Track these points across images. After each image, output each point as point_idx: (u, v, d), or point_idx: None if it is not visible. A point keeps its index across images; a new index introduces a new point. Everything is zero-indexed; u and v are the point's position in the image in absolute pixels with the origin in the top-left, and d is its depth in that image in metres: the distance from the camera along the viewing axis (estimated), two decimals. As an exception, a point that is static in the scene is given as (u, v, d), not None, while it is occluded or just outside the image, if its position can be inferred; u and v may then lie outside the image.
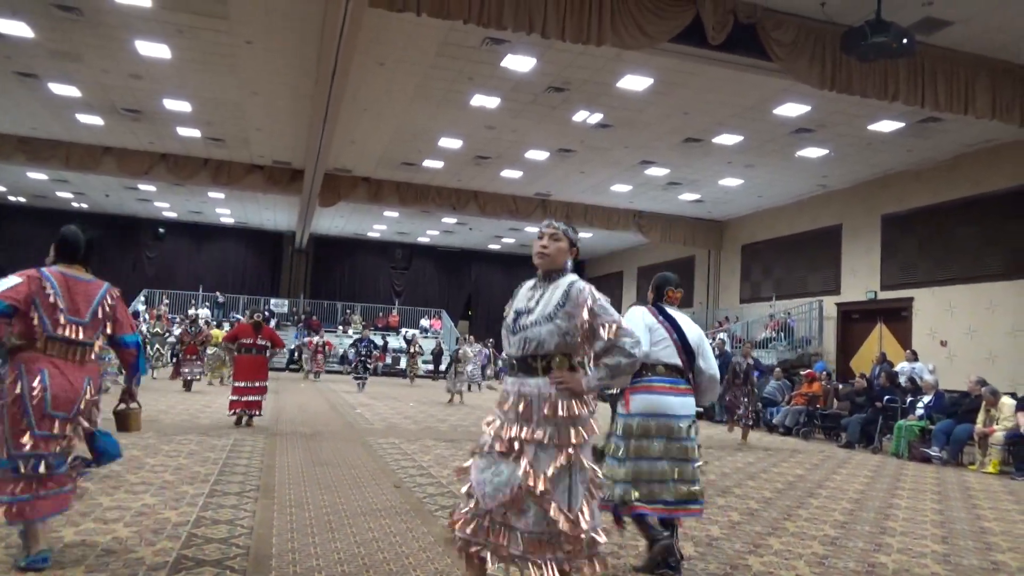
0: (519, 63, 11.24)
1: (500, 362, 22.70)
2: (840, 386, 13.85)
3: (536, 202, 20.60)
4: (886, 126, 12.92)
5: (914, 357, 13.78)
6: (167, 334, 19.58)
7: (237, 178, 18.66)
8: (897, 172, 15.73)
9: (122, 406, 3.95)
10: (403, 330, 28.99)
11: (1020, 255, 13.24)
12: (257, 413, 9.65)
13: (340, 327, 28.70)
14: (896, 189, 15.94)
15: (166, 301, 27.95)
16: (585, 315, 2.86)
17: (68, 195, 25.02)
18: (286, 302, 29.90)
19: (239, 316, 24.65)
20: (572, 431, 2.83)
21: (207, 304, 27.63)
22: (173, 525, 4.38)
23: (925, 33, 9.40)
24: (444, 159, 17.17)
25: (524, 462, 2.79)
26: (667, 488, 3.79)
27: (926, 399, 11.26)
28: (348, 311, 29.92)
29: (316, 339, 22.24)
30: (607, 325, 2.86)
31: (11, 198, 25.92)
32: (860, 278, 16.89)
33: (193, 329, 15.84)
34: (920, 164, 15.05)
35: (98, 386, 3.76)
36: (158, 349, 17.54)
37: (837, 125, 13.09)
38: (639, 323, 4.01)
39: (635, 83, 11.70)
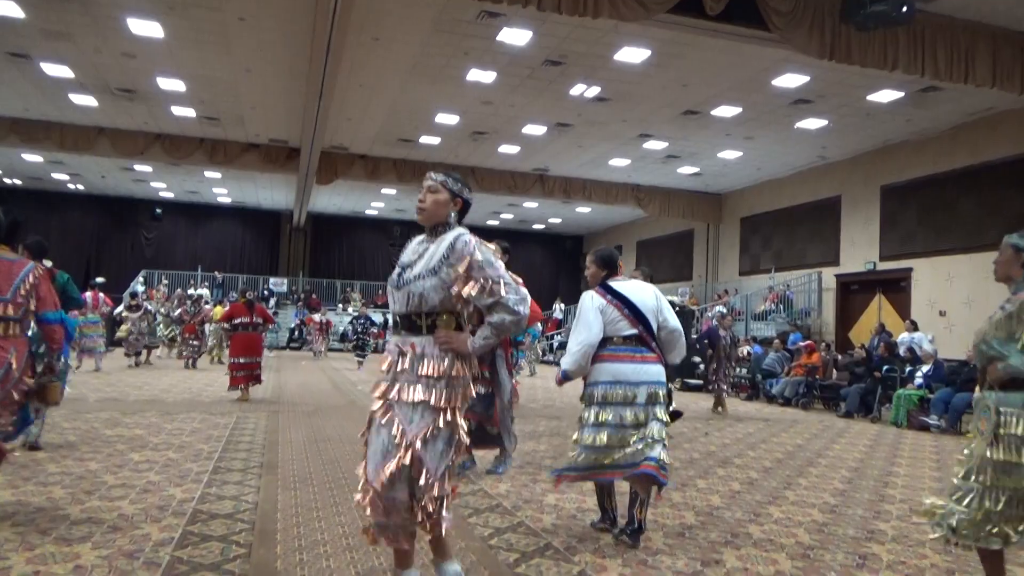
0: (515, 36, 11.12)
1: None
2: (839, 357, 13.92)
3: (534, 177, 20.52)
4: (885, 96, 12.83)
5: (914, 327, 13.81)
6: (168, 314, 19.67)
7: (233, 157, 18.56)
8: (896, 142, 15.66)
9: (44, 379, 4.17)
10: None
11: (1020, 224, 13.12)
12: (256, 383, 10.23)
13: (340, 305, 28.72)
14: (895, 159, 15.88)
15: (165, 281, 27.94)
16: (468, 269, 2.72)
17: (64, 177, 24.89)
18: (285, 281, 29.88)
19: (237, 296, 24.64)
20: (451, 393, 2.73)
21: (206, 284, 27.62)
22: (178, 502, 4.42)
23: (924, 0, 9.30)
24: (441, 135, 17.06)
25: (398, 424, 2.71)
26: (624, 454, 3.83)
27: (925, 369, 11.31)
28: (347, 289, 29.93)
29: (318, 317, 22.26)
30: (493, 281, 2.72)
31: (7, 180, 25.78)
32: (859, 249, 16.88)
33: (193, 309, 15.93)
34: (920, 134, 14.98)
35: (22, 358, 3.90)
36: (172, 328, 17.65)
37: (836, 96, 13.00)
38: (590, 309, 4.00)
39: (632, 55, 11.60)
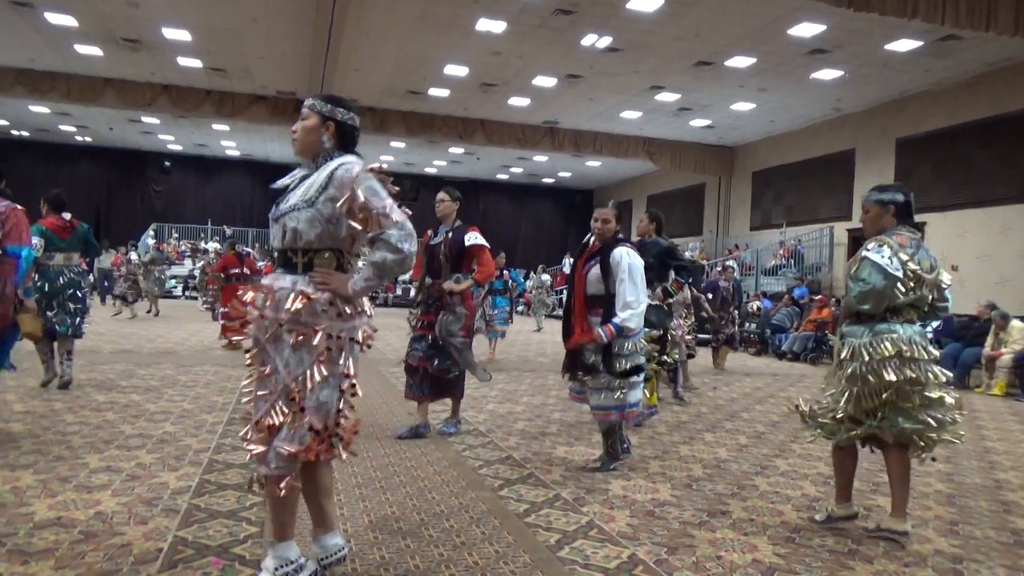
0: (525, -16, 10.88)
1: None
2: (930, 322, 13.86)
3: (544, 130, 20.28)
4: (904, 45, 12.53)
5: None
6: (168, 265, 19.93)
7: (241, 109, 18.40)
8: (913, 94, 15.35)
9: (19, 312, 4.69)
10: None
11: (1038, 177, 13.02)
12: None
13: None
14: (912, 112, 15.59)
15: (175, 235, 28.04)
16: (350, 200, 2.45)
17: (71, 129, 24.79)
18: (294, 234, 29.88)
19: (250, 250, 24.71)
20: (327, 336, 2.48)
21: (216, 238, 27.70)
22: (194, 451, 4.51)
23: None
24: (450, 87, 16.84)
25: (278, 370, 2.50)
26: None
27: (934, 323, 11.27)
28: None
29: None
30: (376, 213, 2.46)
31: (14, 132, 25.71)
32: (872, 203, 16.68)
33: (215, 261, 16.26)
34: (937, 85, 14.67)
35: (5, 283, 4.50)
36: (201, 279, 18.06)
37: (853, 45, 12.71)
38: (639, 268, 4.38)
39: (645, 4, 11.33)
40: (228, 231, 28.24)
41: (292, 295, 2.48)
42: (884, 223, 3.51)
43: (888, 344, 3.38)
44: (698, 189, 24.24)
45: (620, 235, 4.53)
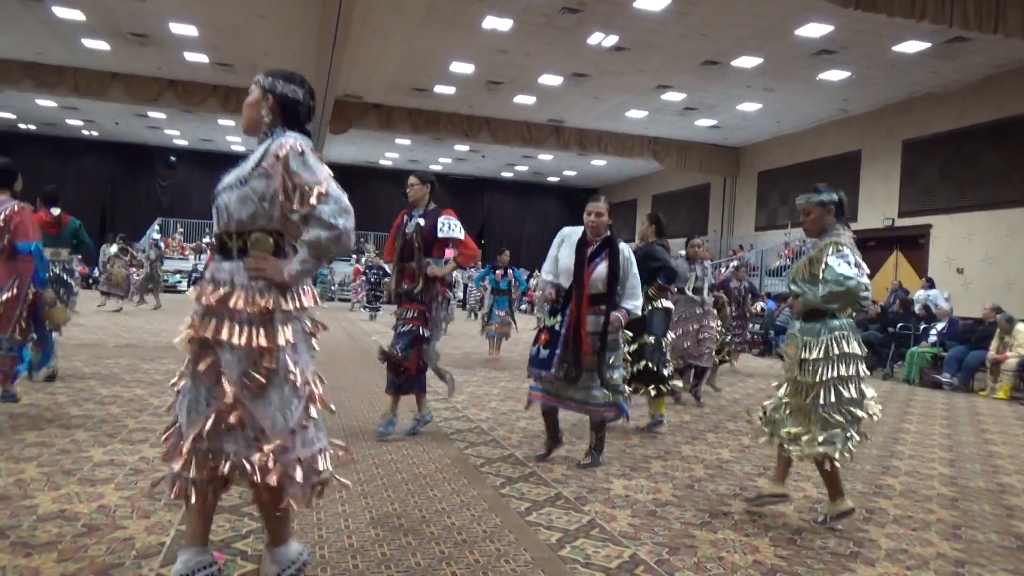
0: (532, -18, 10.88)
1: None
2: (854, 314, 13.85)
3: (549, 129, 20.27)
4: (911, 47, 12.49)
5: (929, 284, 13.71)
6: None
7: (247, 105, 18.43)
8: (921, 95, 15.30)
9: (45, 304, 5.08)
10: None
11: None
12: None
13: (353, 256, 28.78)
14: (919, 113, 15.54)
15: (180, 230, 28.09)
16: (282, 174, 2.24)
17: (78, 123, 24.86)
18: (300, 231, 29.91)
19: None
20: (271, 331, 2.25)
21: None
22: (197, 446, 4.51)
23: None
24: (456, 85, 16.84)
25: (216, 368, 2.29)
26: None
27: (940, 326, 11.26)
28: (361, 240, 29.94)
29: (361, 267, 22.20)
30: (307, 188, 2.22)
31: (21, 126, 25.79)
32: (878, 205, 16.66)
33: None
34: (945, 87, 14.62)
35: (17, 281, 4.83)
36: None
37: (860, 46, 12.68)
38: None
39: (652, 3, 11.32)
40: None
41: (237, 290, 2.28)
42: (826, 223, 3.66)
43: (845, 342, 3.55)
44: (703, 189, 24.20)
45: (611, 228, 4.56)
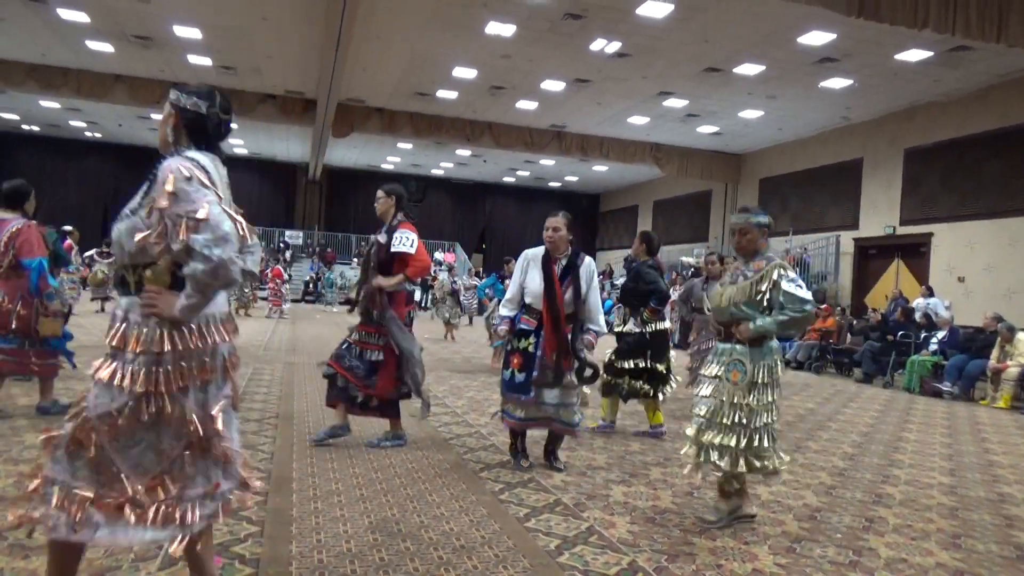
0: (536, -12, 10.90)
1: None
2: (854, 322, 13.86)
3: (551, 134, 20.29)
4: (914, 55, 12.50)
5: (929, 293, 13.71)
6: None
7: (249, 108, 18.46)
8: (923, 104, 15.31)
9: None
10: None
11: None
12: None
13: (354, 260, 28.83)
14: (921, 121, 15.55)
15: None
16: (164, 202, 2.07)
17: (81, 124, 24.90)
18: (301, 234, 29.95)
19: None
20: (159, 373, 2.09)
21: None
22: (196, 449, 4.50)
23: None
24: (458, 89, 16.86)
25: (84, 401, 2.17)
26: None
27: (940, 335, 11.25)
28: (362, 243, 29.98)
29: None
30: (182, 216, 2.05)
31: (24, 127, 25.83)
32: (879, 213, 16.65)
33: None
34: (947, 95, 14.63)
35: (14, 295, 5.01)
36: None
37: (863, 55, 12.68)
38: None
39: (655, 9, 11.33)
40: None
41: (127, 327, 2.14)
42: (760, 245, 3.68)
43: (780, 365, 3.66)
44: (705, 195, 24.21)
45: (572, 241, 4.55)
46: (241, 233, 2.26)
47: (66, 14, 13.35)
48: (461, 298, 16.14)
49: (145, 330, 2.12)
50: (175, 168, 2.12)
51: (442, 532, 3.32)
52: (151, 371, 2.10)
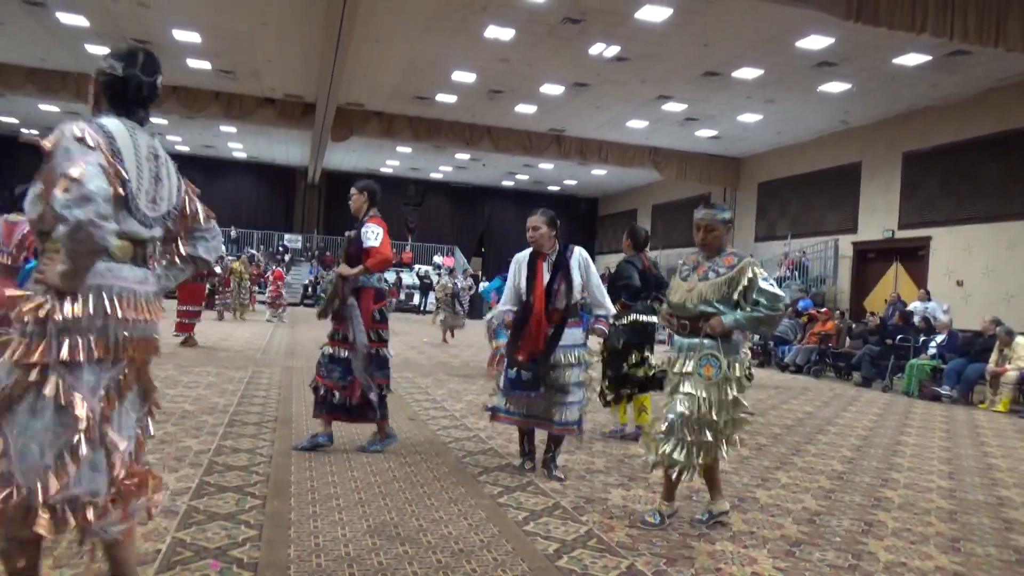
0: (534, -8, 10.92)
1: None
2: (853, 325, 13.86)
3: (550, 138, 20.31)
4: (912, 59, 12.53)
5: (927, 296, 13.71)
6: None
7: (249, 111, 18.48)
8: (921, 108, 15.34)
9: None
10: (416, 266, 29.07)
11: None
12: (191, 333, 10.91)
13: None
14: (919, 125, 15.58)
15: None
16: (48, 161, 2.00)
17: (80, 128, 24.89)
18: (300, 237, 29.95)
19: (252, 251, 24.78)
20: (39, 343, 1.97)
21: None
22: (195, 453, 4.51)
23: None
24: (457, 93, 16.88)
25: None
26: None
27: (939, 338, 11.25)
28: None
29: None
30: (61, 177, 1.91)
31: (23, 131, 25.83)
32: (878, 216, 16.67)
33: (222, 264, 16.62)
34: (945, 99, 14.66)
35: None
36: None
37: (861, 59, 12.71)
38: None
39: (654, 14, 11.36)
40: (233, 233, 28.31)
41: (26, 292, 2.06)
42: (724, 241, 3.69)
43: (748, 358, 3.75)
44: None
45: (557, 237, 4.56)
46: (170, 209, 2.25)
47: (65, 18, 13.37)
48: (463, 300, 16.16)
49: (36, 299, 2.01)
50: (67, 127, 2.01)
51: (441, 536, 3.31)
52: (34, 343, 1.98)
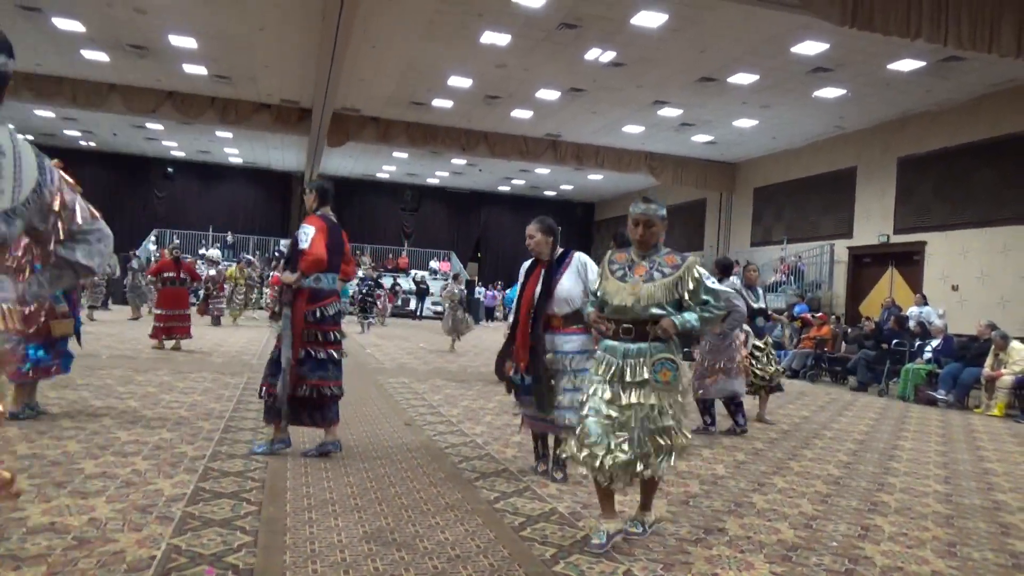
0: (531, -2, 10.94)
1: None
2: (849, 330, 13.88)
3: (547, 143, 20.35)
4: (906, 65, 12.59)
5: (923, 301, 13.74)
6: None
7: (245, 117, 18.47)
8: (916, 113, 15.40)
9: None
10: (412, 272, 29.05)
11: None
12: (188, 336, 10.83)
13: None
14: (914, 131, 15.64)
15: (176, 241, 28.04)
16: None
17: (76, 133, 24.88)
18: (296, 243, 29.87)
19: (248, 256, 24.75)
20: None
21: (217, 245, 27.74)
22: (190, 459, 4.49)
23: (951, -33, 9.08)
24: (454, 98, 16.90)
25: None
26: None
27: (934, 343, 11.28)
28: (358, 252, 29.92)
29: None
30: None
31: (19, 136, 25.78)
32: (873, 221, 16.72)
33: (217, 269, 16.60)
34: (940, 105, 14.72)
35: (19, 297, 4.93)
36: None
37: (856, 64, 12.77)
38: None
39: (649, 19, 11.39)
40: (229, 238, 28.29)
41: None
42: (660, 239, 3.55)
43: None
44: (699, 204, 24.28)
45: (555, 243, 4.55)
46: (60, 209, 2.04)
47: (61, 23, 13.36)
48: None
49: None
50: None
51: (437, 541, 3.30)
52: None
